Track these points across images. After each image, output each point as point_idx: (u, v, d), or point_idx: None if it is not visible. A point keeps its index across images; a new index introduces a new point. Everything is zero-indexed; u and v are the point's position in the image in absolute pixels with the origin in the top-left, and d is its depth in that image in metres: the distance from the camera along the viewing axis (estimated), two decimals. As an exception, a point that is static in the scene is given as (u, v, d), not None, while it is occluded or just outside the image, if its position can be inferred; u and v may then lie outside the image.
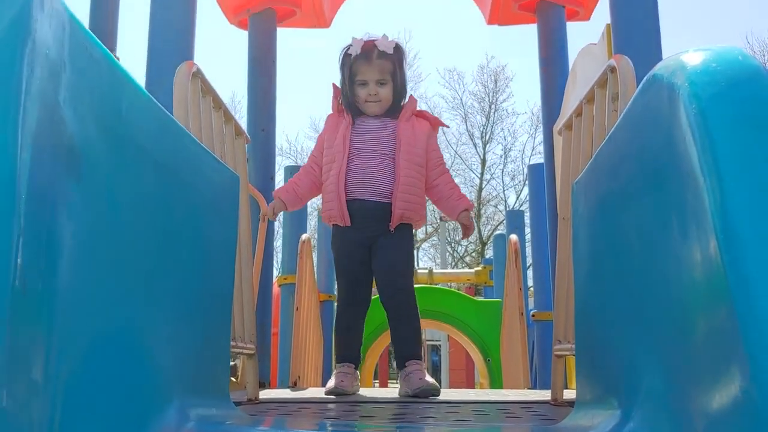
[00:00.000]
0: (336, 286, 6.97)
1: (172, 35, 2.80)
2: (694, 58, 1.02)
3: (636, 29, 2.43)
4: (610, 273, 1.51)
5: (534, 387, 4.97)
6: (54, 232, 0.95)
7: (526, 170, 25.65)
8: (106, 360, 1.15)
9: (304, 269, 4.39)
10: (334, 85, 3.27)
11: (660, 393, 1.24)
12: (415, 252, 3.57)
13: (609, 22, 2.75)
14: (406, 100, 3.22)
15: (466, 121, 26.30)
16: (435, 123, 3.27)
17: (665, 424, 1.20)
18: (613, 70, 1.99)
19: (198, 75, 2.07)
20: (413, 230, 3.21)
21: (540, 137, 24.51)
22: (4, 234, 0.81)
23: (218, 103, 2.27)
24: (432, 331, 14.55)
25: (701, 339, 1.00)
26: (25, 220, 0.85)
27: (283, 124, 27.89)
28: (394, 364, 3.27)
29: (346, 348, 3.20)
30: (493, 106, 26.46)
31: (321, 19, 4.63)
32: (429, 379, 2.94)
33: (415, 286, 3.42)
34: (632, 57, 2.15)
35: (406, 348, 3.06)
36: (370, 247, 3.10)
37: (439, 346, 16.19)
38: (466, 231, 3.17)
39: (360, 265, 3.12)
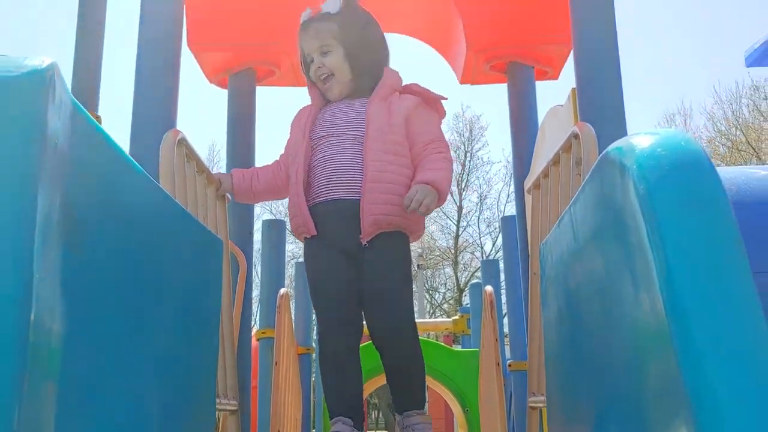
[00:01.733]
0: (314, 335, 7.01)
1: (156, 100, 2.89)
2: (643, 141, 1.14)
3: (599, 95, 2.57)
4: (574, 330, 1.61)
5: (511, 437, 5.01)
6: (57, 299, 1.03)
7: (501, 217, 25.98)
8: (96, 417, 1.21)
9: (282, 323, 4.43)
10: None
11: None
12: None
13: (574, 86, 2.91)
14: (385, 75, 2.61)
15: (442, 170, 26.68)
16: (426, 97, 2.59)
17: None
18: (576, 136, 2.12)
19: (183, 142, 2.17)
20: (409, 241, 2.54)
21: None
22: (23, 303, 0.89)
23: (201, 168, 2.36)
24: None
25: (654, 393, 1.09)
26: (37, 290, 0.93)
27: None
28: (375, 414, 2.88)
29: (337, 396, 2.45)
30: (468, 155, 26.92)
31: (300, 79, 4.76)
32: None
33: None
34: (595, 121, 2.29)
35: (406, 396, 2.45)
36: (355, 263, 2.47)
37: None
38: (411, 202, 2.40)
39: (338, 282, 2.48)
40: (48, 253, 0.96)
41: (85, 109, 1.13)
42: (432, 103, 2.61)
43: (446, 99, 2.68)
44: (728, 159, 25.19)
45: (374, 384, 6.58)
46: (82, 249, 1.14)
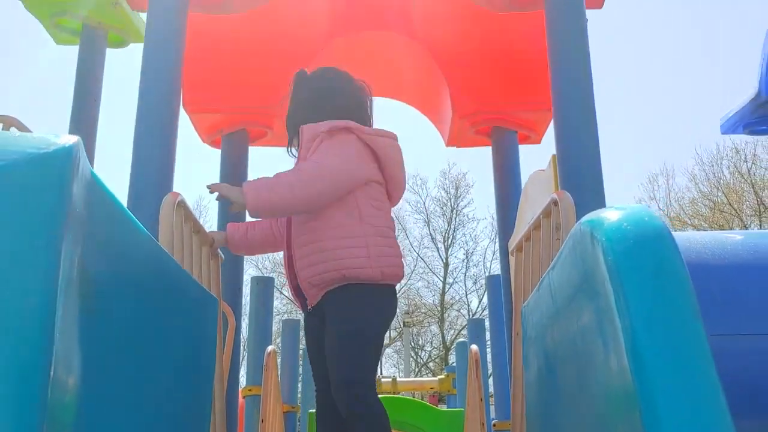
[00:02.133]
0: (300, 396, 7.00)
1: (153, 164, 2.98)
2: (612, 216, 1.25)
3: (578, 164, 2.70)
4: (552, 390, 1.69)
5: (497, 498, 5.02)
6: (74, 350, 1.11)
7: (488, 273, 26.09)
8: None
9: (269, 381, 4.47)
10: None
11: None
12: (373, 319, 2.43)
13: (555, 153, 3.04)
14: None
15: (428, 225, 26.86)
16: (323, 131, 2.49)
17: None
18: (556, 203, 2.23)
19: (182, 204, 2.27)
20: (364, 289, 2.41)
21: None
22: (44, 361, 0.98)
23: (197, 228, 2.46)
24: (395, 440, 14.34)
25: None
26: (58, 348, 1.01)
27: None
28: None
29: None
30: (454, 212, 27.11)
31: (290, 140, 4.89)
32: None
33: (379, 396, 2.56)
34: (574, 188, 2.41)
35: None
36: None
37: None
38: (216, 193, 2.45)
39: (311, 346, 2.57)
40: (67, 310, 1.04)
41: (101, 179, 1.23)
42: (324, 136, 2.53)
43: (339, 127, 2.54)
44: (711, 219, 25.43)
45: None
46: (95, 306, 1.22)
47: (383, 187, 2.59)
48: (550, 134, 4.62)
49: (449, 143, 4.77)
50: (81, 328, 1.13)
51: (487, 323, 7.50)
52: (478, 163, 30.57)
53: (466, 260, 26.74)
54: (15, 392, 0.91)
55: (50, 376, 0.97)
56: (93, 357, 1.20)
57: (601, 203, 2.60)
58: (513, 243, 3.61)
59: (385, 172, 2.58)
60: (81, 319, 1.13)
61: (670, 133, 34.54)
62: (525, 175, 4.51)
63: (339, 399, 2.32)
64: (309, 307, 2.50)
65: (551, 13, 3.12)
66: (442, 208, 27.01)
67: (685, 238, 3.13)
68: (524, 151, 4.67)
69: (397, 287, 2.63)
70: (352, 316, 2.39)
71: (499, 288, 4.78)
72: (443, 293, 26.59)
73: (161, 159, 2.98)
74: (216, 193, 2.46)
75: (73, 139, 1.05)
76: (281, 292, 22.88)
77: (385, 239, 2.49)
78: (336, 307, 2.41)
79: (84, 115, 4.63)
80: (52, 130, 1.23)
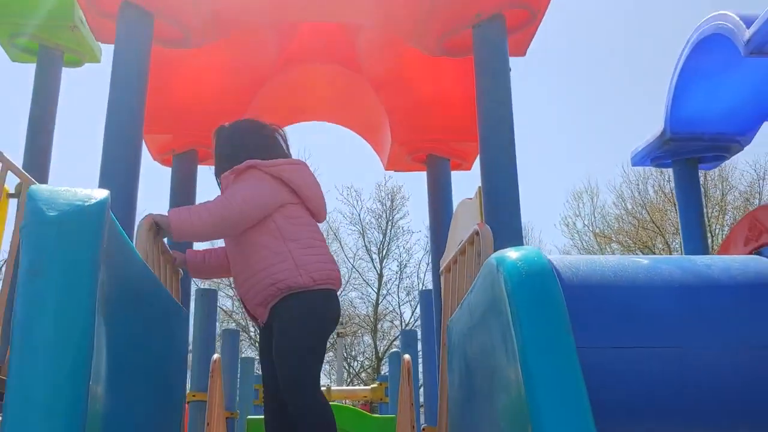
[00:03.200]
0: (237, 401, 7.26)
1: (120, 180, 3.22)
2: (512, 255, 1.65)
3: (499, 198, 3.11)
4: (469, 393, 2.07)
5: (425, 496, 5.41)
6: (100, 345, 1.44)
7: (421, 285, 26.59)
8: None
9: (215, 387, 4.74)
10: None
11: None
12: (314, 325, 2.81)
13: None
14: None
15: (363, 237, 27.17)
16: (231, 176, 2.92)
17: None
18: (478, 233, 2.63)
19: (153, 227, 2.57)
20: (300, 300, 2.73)
21: (435, 256, 25.63)
22: (86, 360, 1.30)
23: (164, 249, 2.76)
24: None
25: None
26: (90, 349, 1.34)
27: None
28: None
29: None
30: (389, 224, 27.48)
31: (238, 160, 5.19)
32: None
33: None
34: (495, 220, 2.81)
35: None
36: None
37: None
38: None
39: (263, 352, 2.93)
40: (98, 318, 1.37)
41: (116, 221, 1.56)
42: (231, 179, 2.94)
43: (241, 168, 2.92)
44: (635, 236, 26.33)
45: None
46: (107, 317, 1.55)
47: (301, 206, 2.95)
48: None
49: (388, 167, 5.16)
50: (102, 328, 1.45)
51: (419, 334, 7.88)
52: (413, 176, 31.02)
53: (399, 272, 27.12)
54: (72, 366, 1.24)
55: (90, 365, 1.30)
56: (108, 345, 1.52)
57: (517, 232, 3.00)
58: (444, 260, 4.01)
59: (300, 194, 2.94)
60: (103, 321, 1.45)
61: (595, 152, 35.85)
62: (457, 196, 4.94)
63: (287, 399, 2.63)
64: (261, 324, 2.85)
65: (479, 59, 3.52)
66: (377, 219, 27.36)
67: (594, 261, 3.57)
68: (456, 176, 5.10)
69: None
70: (292, 322, 2.70)
71: (430, 302, 5.18)
72: (377, 304, 26.90)
73: (127, 175, 3.22)
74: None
75: (104, 193, 1.39)
76: (221, 308, 22.89)
77: (311, 248, 2.84)
78: (279, 317, 2.73)
79: (40, 131, 4.83)
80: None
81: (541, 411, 1.36)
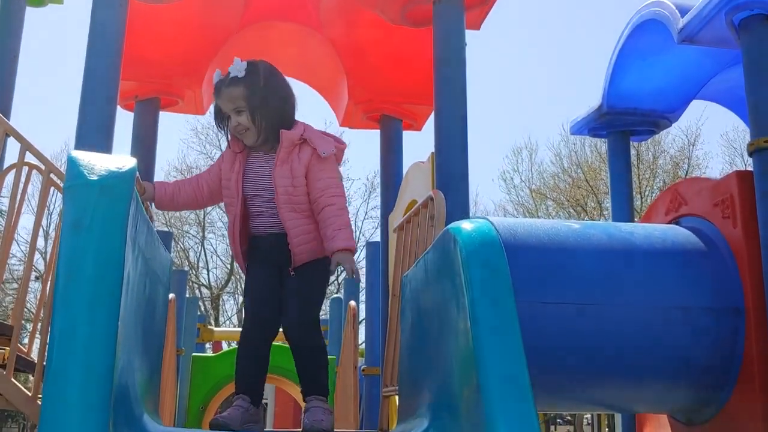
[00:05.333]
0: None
1: (96, 123, 3.42)
2: (467, 226, 1.97)
3: (450, 164, 3.41)
4: (422, 338, 2.41)
5: (361, 427, 5.85)
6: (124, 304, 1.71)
7: (359, 233, 27.00)
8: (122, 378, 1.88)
9: (170, 327, 5.01)
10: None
11: (445, 414, 2.15)
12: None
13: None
14: (293, 126, 3.09)
15: (305, 184, 27.21)
16: (317, 148, 3.04)
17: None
18: (431, 199, 2.94)
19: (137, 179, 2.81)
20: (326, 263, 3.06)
21: (373, 203, 26.04)
22: (117, 304, 1.58)
23: (147, 205, 3.01)
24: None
25: (464, 384, 1.89)
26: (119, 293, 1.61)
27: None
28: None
29: (243, 378, 3.01)
30: (330, 170, 27.56)
31: (199, 108, 5.36)
32: (323, 417, 2.89)
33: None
34: (446, 185, 3.13)
35: (307, 382, 3.02)
36: (280, 277, 3.05)
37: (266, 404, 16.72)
38: (348, 273, 3.00)
39: (265, 285, 3.05)
40: (125, 271, 1.64)
41: (139, 197, 1.81)
42: (318, 159, 3.07)
43: (342, 146, 3.22)
44: (569, 194, 27.07)
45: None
46: (130, 261, 1.81)
47: None
48: (429, 123, 5.36)
49: (342, 124, 5.42)
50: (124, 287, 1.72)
51: (362, 283, 8.22)
52: (357, 124, 31.03)
53: (339, 219, 27.35)
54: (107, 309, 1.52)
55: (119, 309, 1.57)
56: (128, 300, 1.80)
57: (464, 197, 3.32)
58: (394, 219, 4.33)
59: None
60: (126, 279, 1.72)
61: (537, 110, 36.55)
62: (406, 154, 5.25)
63: (303, 336, 3.01)
64: (291, 272, 3.05)
65: (438, 33, 3.78)
66: (318, 166, 27.40)
67: (530, 224, 3.95)
68: (407, 135, 5.39)
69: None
70: (322, 280, 3.12)
71: (377, 253, 5.51)
72: (316, 249, 27.18)
73: (104, 119, 3.41)
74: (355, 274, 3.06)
75: (133, 161, 1.65)
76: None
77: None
78: (318, 269, 3.06)
79: (2, 72, 4.89)
80: None
81: (485, 352, 1.70)
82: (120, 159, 1.65)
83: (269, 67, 3.24)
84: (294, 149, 3.05)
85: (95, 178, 1.56)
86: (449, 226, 2.06)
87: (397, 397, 3.12)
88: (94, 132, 3.43)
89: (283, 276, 3.06)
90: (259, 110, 3.04)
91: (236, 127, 3.07)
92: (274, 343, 3.11)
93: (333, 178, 3.06)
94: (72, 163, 1.60)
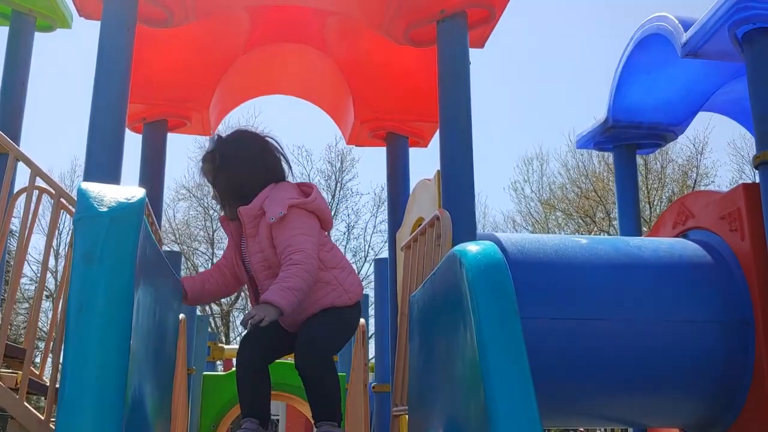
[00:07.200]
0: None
1: (104, 152, 3.46)
2: (472, 248, 1.98)
3: (456, 184, 3.43)
4: (430, 359, 2.42)
5: (373, 447, 5.84)
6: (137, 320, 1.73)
7: (367, 247, 27.03)
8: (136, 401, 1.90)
9: (180, 346, 5.03)
10: None
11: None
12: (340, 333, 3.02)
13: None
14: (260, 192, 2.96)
15: (313, 198, 27.30)
16: (266, 215, 2.88)
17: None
18: (438, 218, 2.96)
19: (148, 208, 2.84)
20: (336, 311, 2.91)
21: (381, 217, 26.08)
22: (128, 334, 1.60)
23: (155, 228, 3.04)
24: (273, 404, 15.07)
25: (472, 406, 1.90)
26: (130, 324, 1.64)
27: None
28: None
29: (245, 401, 2.91)
30: (338, 185, 27.72)
31: (207, 129, 5.41)
32: None
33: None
34: (452, 204, 3.15)
35: (317, 409, 2.87)
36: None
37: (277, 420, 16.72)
38: (246, 316, 2.74)
39: (277, 331, 2.94)
40: (135, 299, 1.67)
41: (146, 219, 1.84)
42: (279, 221, 2.89)
43: (303, 199, 2.97)
44: (577, 204, 27.00)
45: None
46: (140, 289, 1.84)
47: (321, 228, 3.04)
48: (435, 140, 5.39)
49: (349, 142, 5.45)
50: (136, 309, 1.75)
51: (371, 298, 8.22)
52: (364, 138, 31.11)
53: (347, 233, 27.46)
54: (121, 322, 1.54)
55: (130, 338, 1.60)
56: (139, 322, 1.82)
57: (471, 215, 3.33)
58: (401, 236, 4.35)
59: (322, 220, 3.02)
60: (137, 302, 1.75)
61: (547, 121, 36.60)
62: (413, 169, 5.27)
63: (308, 358, 2.79)
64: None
65: (442, 52, 3.81)
66: (326, 180, 27.59)
67: (538, 240, 3.97)
68: (413, 152, 5.42)
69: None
70: (333, 323, 2.90)
71: (385, 270, 5.53)
72: (324, 264, 27.17)
73: (113, 142, 3.45)
74: (256, 319, 2.70)
75: (141, 191, 1.68)
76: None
77: (349, 270, 3.00)
78: (328, 315, 2.90)
79: (12, 96, 4.96)
80: None
81: (491, 376, 1.72)
82: (129, 190, 1.69)
83: (231, 140, 3.17)
84: (258, 220, 2.96)
85: (105, 209, 1.60)
86: (455, 248, 2.08)
87: (407, 417, 3.13)
88: (103, 155, 3.47)
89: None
90: (219, 189, 3.07)
91: (214, 200, 3.15)
92: (282, 360, 3.02)
93: (292, 237, 2.88)
94: (82, 195, 1.63)
